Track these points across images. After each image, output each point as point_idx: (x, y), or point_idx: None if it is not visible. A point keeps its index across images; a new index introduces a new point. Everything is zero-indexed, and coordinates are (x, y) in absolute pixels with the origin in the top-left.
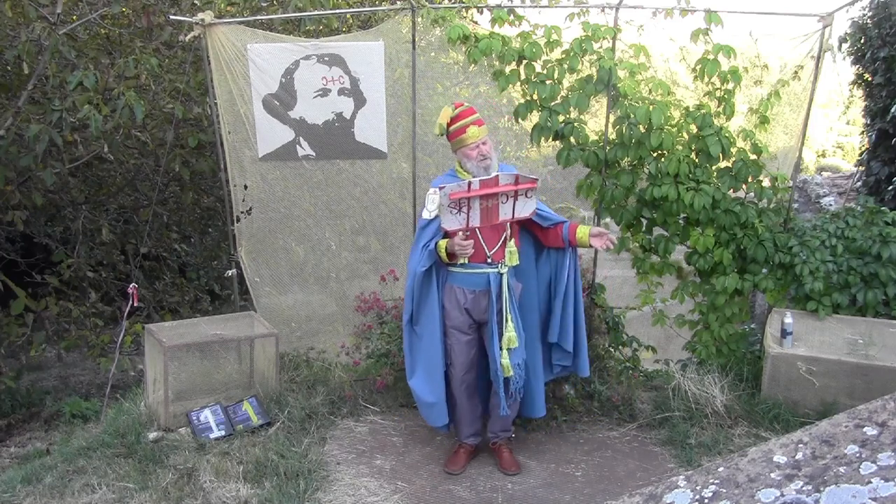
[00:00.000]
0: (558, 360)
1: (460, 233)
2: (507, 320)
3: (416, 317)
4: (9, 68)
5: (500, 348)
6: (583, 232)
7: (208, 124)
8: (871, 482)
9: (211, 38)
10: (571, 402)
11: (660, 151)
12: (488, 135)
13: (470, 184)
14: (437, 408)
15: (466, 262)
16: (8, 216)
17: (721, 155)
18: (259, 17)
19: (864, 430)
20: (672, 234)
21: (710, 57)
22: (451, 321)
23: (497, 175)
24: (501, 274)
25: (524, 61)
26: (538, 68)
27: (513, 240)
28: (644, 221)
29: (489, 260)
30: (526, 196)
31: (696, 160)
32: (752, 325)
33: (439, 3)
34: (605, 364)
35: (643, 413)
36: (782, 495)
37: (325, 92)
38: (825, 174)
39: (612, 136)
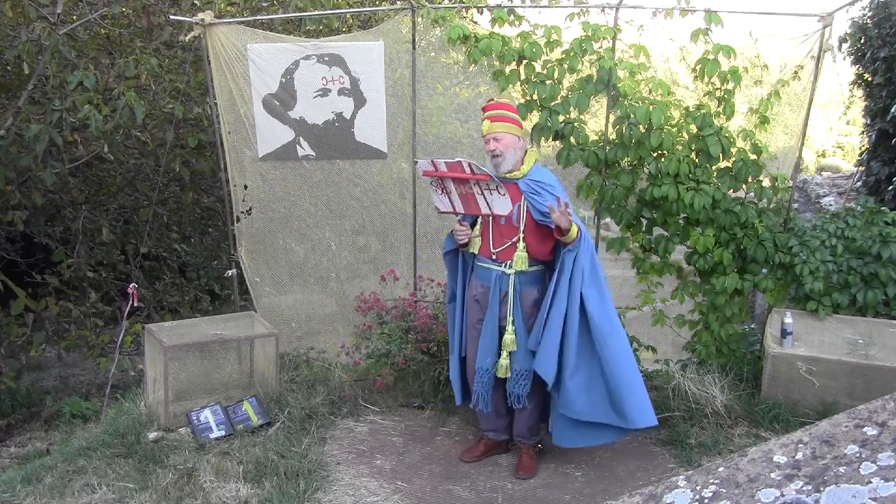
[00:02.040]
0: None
1: (458, 218)
2: (508, 323)
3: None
4: (9, 68)
5: (499, 349)
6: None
7: (208, 124)
8: (871, 482)
9: (211, 38)
10: None
11: (660, 151)
12: (511, 134)
13: (434, 162)
14: (453, 385)
15: (477, 253)
16: (8, 216)
17: (721, 155)
18: (259, 17)
19: (864, 430)
20: (672, 234)
21: (710, 57)
22: (468, 310)
23: (460, 160)
24: (507, 275)
25: (524, 61)
26: (538, 68)
27: (523, 243)
28: (644, 221)
29: (494, 257)
30: (499, 193)
31: (696, 160)
32: (752, 325)
33: (439, 3)
34: None
35: None
36: (782, 495)
37: (325, 92)
38: (825, 174)
39: (612, 136)
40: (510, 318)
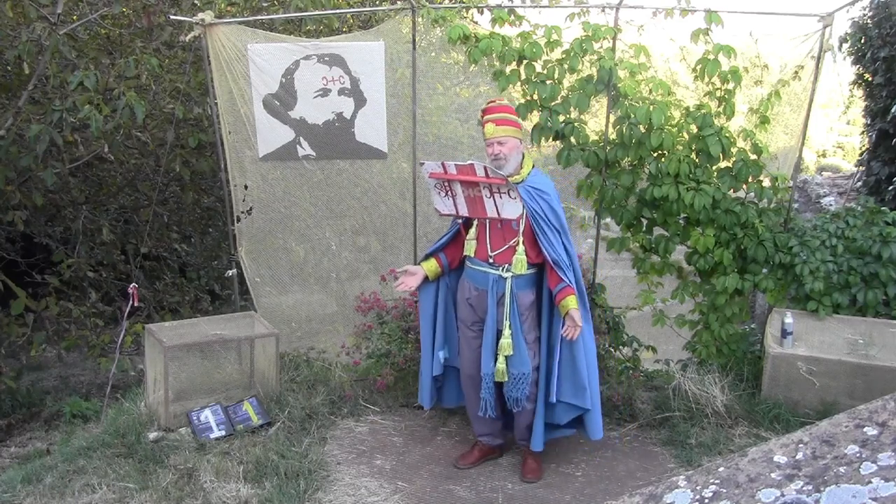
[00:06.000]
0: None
1: (406, 271)
2: (505, 327)
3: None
4: (9, 68)
5: (496, 353)
6: (569, 302)
7: (208, 124)
8: (871, 482)
9: (211, 38)
10: None
11: (660, 151)
12: (514, 138)
13: (444, 164)
14: (420, 386)
15: (472, 256)
16: (8, 216)
17: (721, 155)
18: (259, 17)
19: (864, 430)
20: (672, 234)
21: (711, 57)
22: (460, 313)
23: (472, 163)
24: (504, 278)
25: (524, 61)
26: (538, 68)
27: (522, 246)
28: (644, 221)
29: (491, 260)
30: (510, 196)
31: (697, 160)
32: (752, 325)
33: (439, 3)
34: (605, 364)
35: (643, 413)
36: (782, 495)
37: (325, 92)
38: (825, 174)
39: (613, 136)
40: (507, 322)
